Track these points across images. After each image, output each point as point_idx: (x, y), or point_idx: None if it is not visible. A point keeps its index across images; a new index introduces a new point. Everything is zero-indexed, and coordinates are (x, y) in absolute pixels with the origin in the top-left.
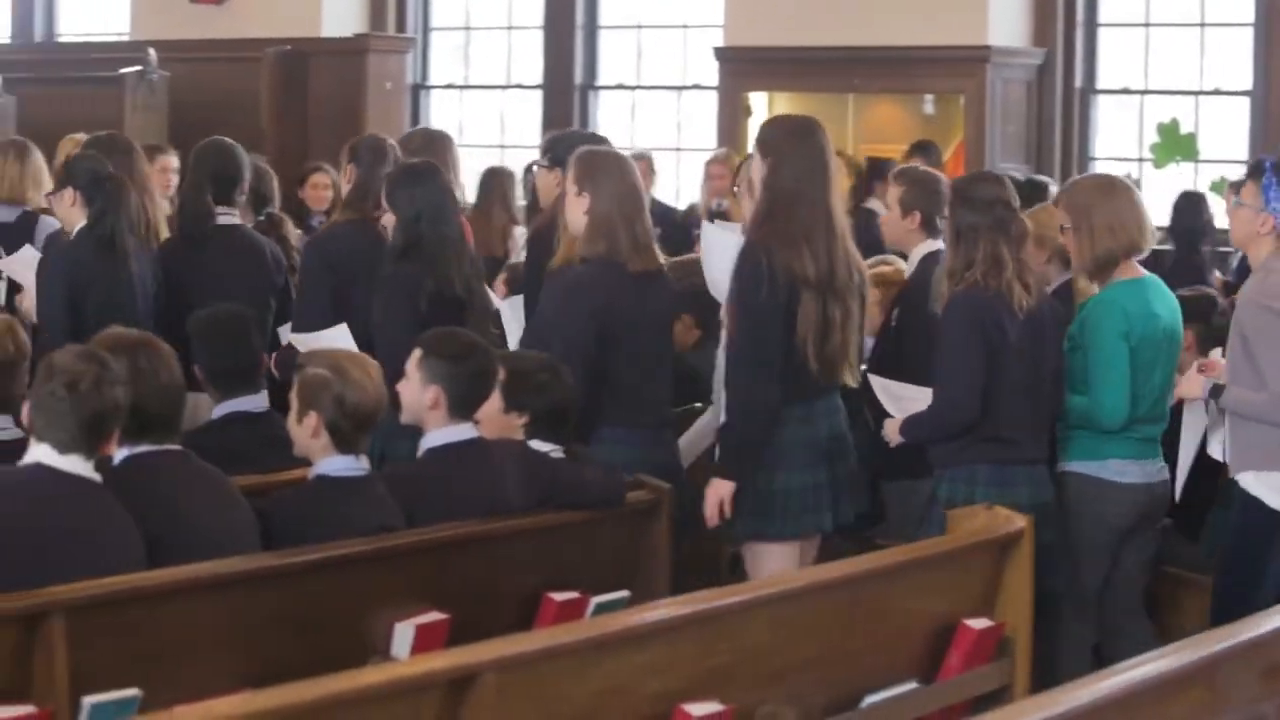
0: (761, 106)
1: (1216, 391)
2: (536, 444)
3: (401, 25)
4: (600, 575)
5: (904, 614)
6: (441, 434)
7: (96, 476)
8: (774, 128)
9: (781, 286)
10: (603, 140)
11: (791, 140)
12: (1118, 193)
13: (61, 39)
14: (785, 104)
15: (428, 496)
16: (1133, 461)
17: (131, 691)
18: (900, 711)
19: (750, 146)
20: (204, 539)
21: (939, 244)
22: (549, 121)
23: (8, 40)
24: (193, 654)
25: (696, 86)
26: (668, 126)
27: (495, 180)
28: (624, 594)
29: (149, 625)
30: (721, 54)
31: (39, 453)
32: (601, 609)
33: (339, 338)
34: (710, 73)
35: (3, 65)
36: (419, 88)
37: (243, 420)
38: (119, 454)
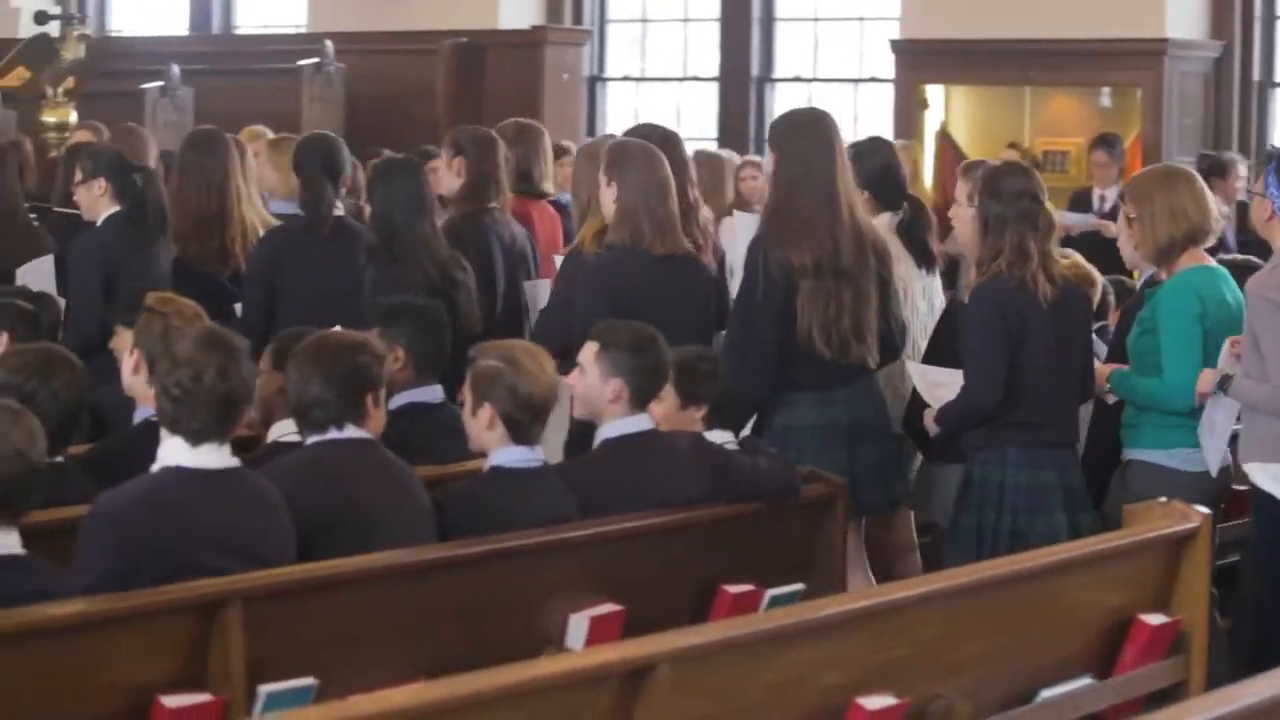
0: (938, 100)
1: (1225, 383)
2: (711, 435)
3: (578, 17)
4: (775, 567)
5: (1079, 609)
6: (618, 425)
7: (233, 462)
8: (780, 122)
9: (777, 282)
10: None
11: (794, 131)
12: (1179, 180)
13: (239, 31)
14: (961, 97)
15: (603, 487)
16: (1199, 450)
17: (307, 680)
18: (1074, 707)
19: (928, 139)
20: (383, 528)
21: None
22: (725, 114)
23: (186, 32)
24: (368, 643)
25: (873, 79)
26: (844, 119)
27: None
28: (799, 586)
29: (325, 614)
30: (898, 47)
31: (172, 451)
32: (776, 602)
33: None
34: (887, 65)
35: (181, 57)
36: (595, 80)
37: (420, 411)
38: (308, 439)
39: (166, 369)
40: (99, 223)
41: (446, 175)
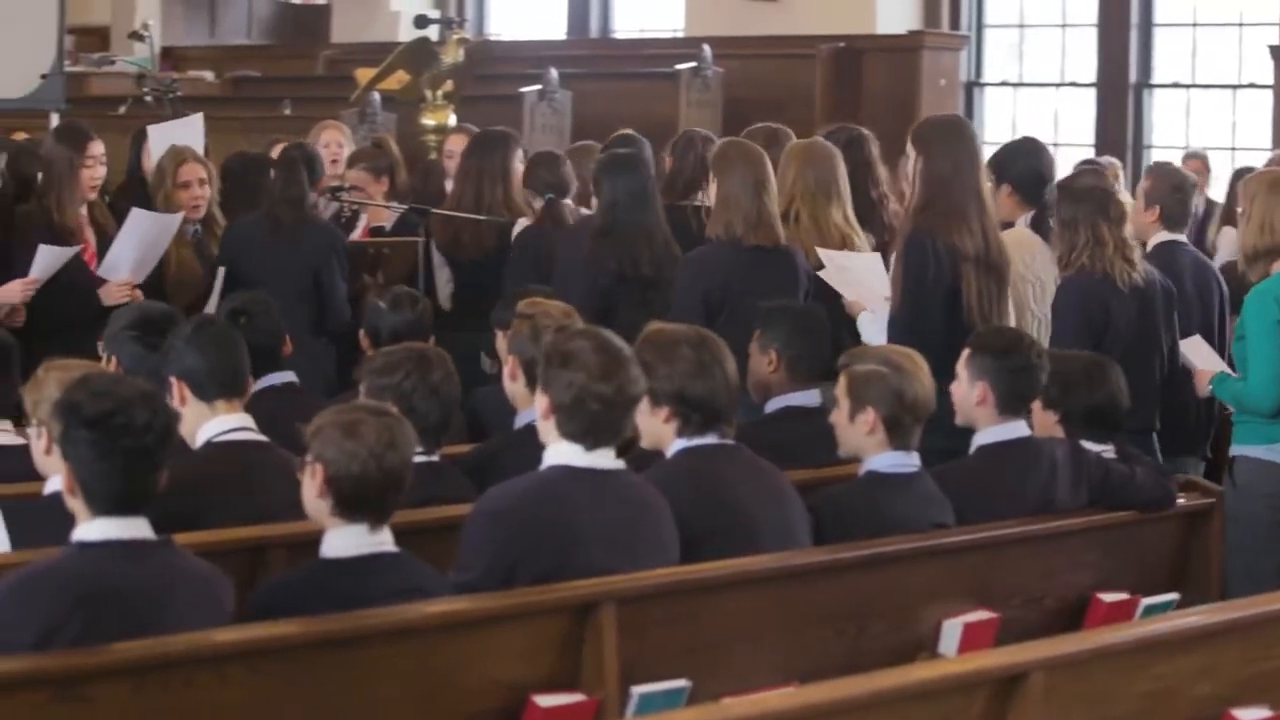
0: None
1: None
2: (1087, 444)
3: (956, 22)
4: (1149, 577)
5: None
6: (993, 431)
7: (619, 464)
8: (925, 125)
9: (946, 266)
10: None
11: (940, 133)
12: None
13: (616, 35)
14: None
15: (978, 493)
16: None
17: (680, 682)
18: None
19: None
20: (756, 532)
21: (1175, 235)
22: (1103, 120)
23: (564, 36)
24: (741, 646)
25: (1251, 85)
26: (1222, 125)
27: None
28: (1173, 596)
29: (698, 617)
30: (1277, 52)
31: (560, 452)
32: (1150, 611)
33: None
34: (1265, 71)
35: (559, 61)
36: (972, 85)
37: (794, 414)
38: (675, 445)
39: (581, 381)
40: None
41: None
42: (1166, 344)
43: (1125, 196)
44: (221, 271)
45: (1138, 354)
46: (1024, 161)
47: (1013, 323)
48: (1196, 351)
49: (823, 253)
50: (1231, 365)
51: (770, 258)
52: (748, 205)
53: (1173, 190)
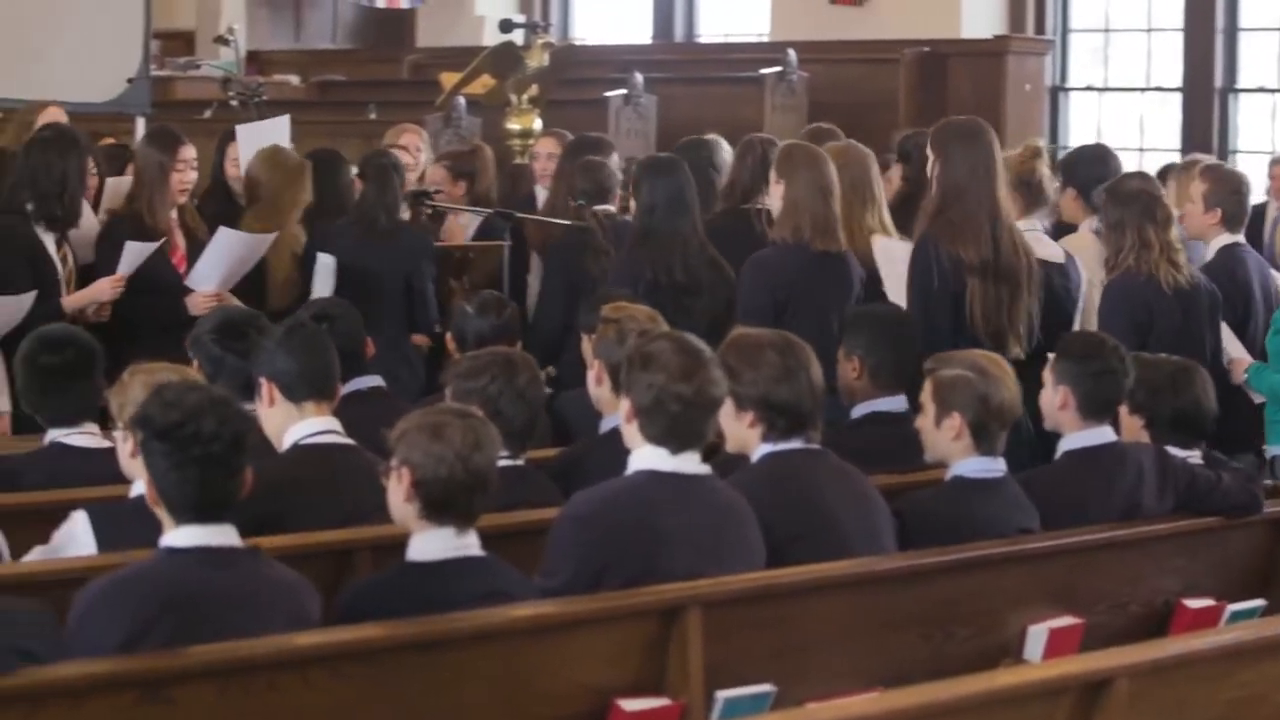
0: None
1: None
2: (1173, 449)
3: (1040, 26)
4: (1236, 583)
5: None
6: (1079, 437)
7: (704, 469)
8: (944, 129)
9: (949, 273)
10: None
11: (959, 140)
12: None
13: (701, 39)
14: None
15: (1065, 499)
16: None
17: (765, 687)
18: None
19: None
20: (842, 537)
21: (1236, 237)
22: (1189, 125)
23: (649, 40)
24: (825, 651)
25: None
26: None
27: None
28: (1259, 602)
29: (784, 621)
30: None
31: (646, 456)
32: (1236, 617)
33: None
34: None
35: (644, 65)
36: (1057, 90)
37: (880, 420)
38: (760, 450)
39: (661, 382)
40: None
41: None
42: (1210, 346)
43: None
44: (331, 263)
45: (1182, 355)
46: (1091, 166)
47: (1024, 328)
48: (1233, 342)
49: (878, 242)
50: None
51: (831, 261)
52: (816, 210)
53: (1232, 192)
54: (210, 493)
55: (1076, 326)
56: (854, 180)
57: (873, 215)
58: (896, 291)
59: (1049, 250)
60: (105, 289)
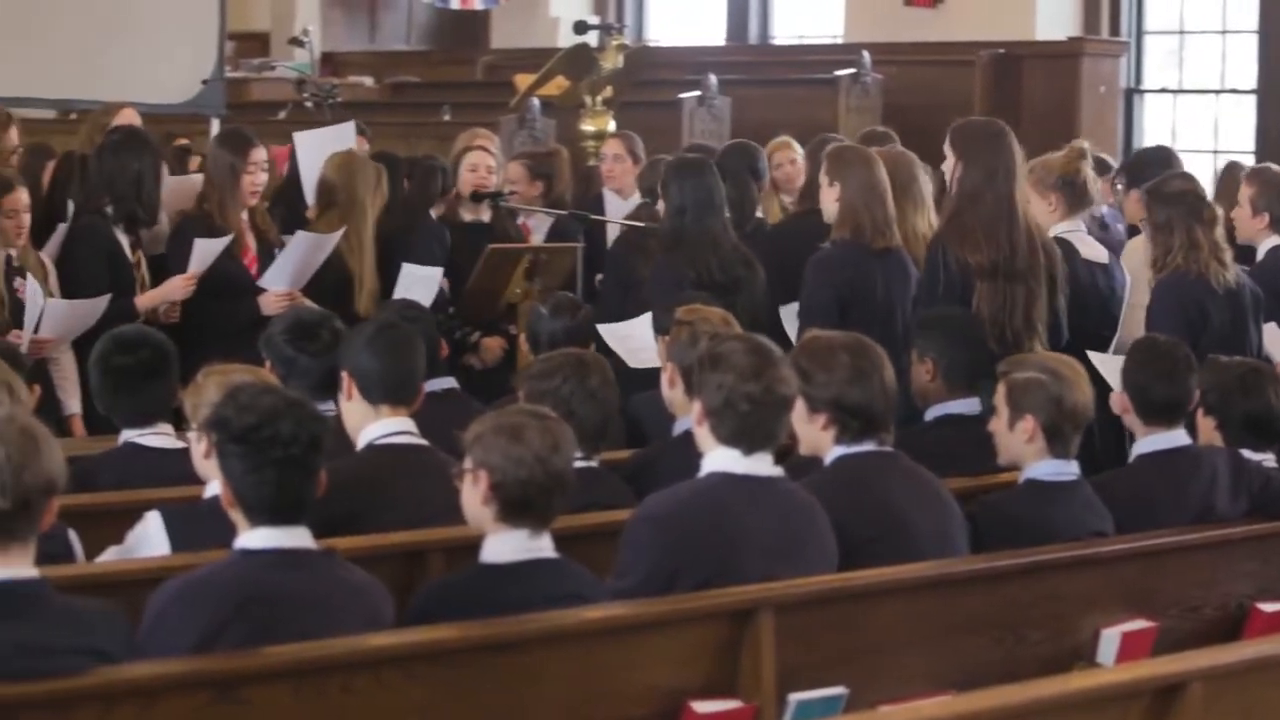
0: None
1: None
2: (1247, 452)
3: (1115, 28)
4: None
5: None
6: (1153, 440)
7: (777, 471)
8: (963, 131)
9: (956, 276)
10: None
11: (978, 142)
12: None
13: (775, 41)
14: None
15: (1138, 502)
16: None
17: (838, 689)
18: None
19: None
20: (914, 539)
21: None
22: (1263, 127)
23: (723, 42)
24: (896, 653)
25: None
26: None
27: None
28: None
29: (856, 624)
30: None
31: (719, 458)
32: None
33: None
34: None
35: (718, 67)
36: (1132, 92)
37: (953, 422)
38: (833, 452)
39: (730, 382)
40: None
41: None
42: (1254, 345)
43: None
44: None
45: (1230, 351)
46: (1155, 170)
47: (1043, 329)
48: (1273, 338)
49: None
50: None
51: (890, 258)
52: (872, 209)
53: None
54: (287, 495)
55: (1121, 326)
56: (902, 184)
57: (922, 218)
58: None
59: (1092, 251)
60: (177, 287)
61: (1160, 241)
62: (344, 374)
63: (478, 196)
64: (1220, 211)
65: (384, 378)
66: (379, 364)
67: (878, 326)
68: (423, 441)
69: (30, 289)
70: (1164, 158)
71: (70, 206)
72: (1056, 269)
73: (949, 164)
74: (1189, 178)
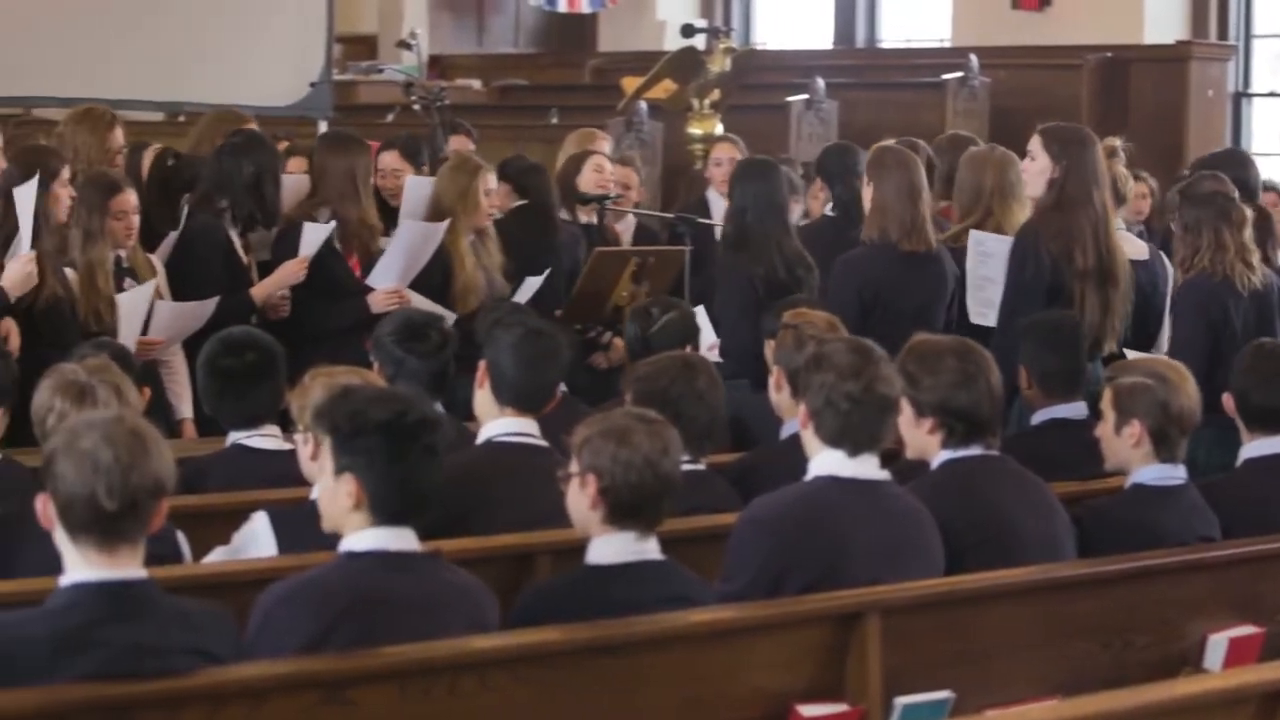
0: None
1: None
2: None
3: (1223, 32)
4: None
5: None
6: (1260, 445)
7: (884, 474)
8: (1059, 134)
9: (1047, 268)
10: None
11: (1077, 146)
12: None
13: (883, 45)
14: None
15: (1246, 506)
16: None
17: (944, 694)
18: None
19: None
20: (1021, 544)
21: None
22: None
23: (830, 45)
24: (1005, 658)
25: None
26: None
27: None
28: None
29: (963, 628)
30: None
31: (826, 461)
32: None
33: None
34: None
35: (825, 70)
36: (1240, 95)
37: (1060, 426)
38: (940, 456)
39: (831, 381)
40: None
41: None
42: None
43: None
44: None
45: None
46: (1230, 171)
47: (1121, 328)
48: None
49: (974, 234)
50: None
51: (919, 262)
52: (902, 211)
53: None
54: (422, 486)
55: (1166, 322)
56: (1010, 184)
57: (1024, 214)
58: (975, 286)
59: (1134, 247)
60: (291, 272)
61: (1188, 242)
62: (482, 362)
63: (590, 199)
64: (1250, 213)
65: (518, 384)
66: (517, 370)
67: (905, 329)
68: (542, 443)
69: (129, 293)
70: (1239, 160)
71: (184, 208)
72: (1129, 271)
73: (1039, 165)
74: (1220, 179)
